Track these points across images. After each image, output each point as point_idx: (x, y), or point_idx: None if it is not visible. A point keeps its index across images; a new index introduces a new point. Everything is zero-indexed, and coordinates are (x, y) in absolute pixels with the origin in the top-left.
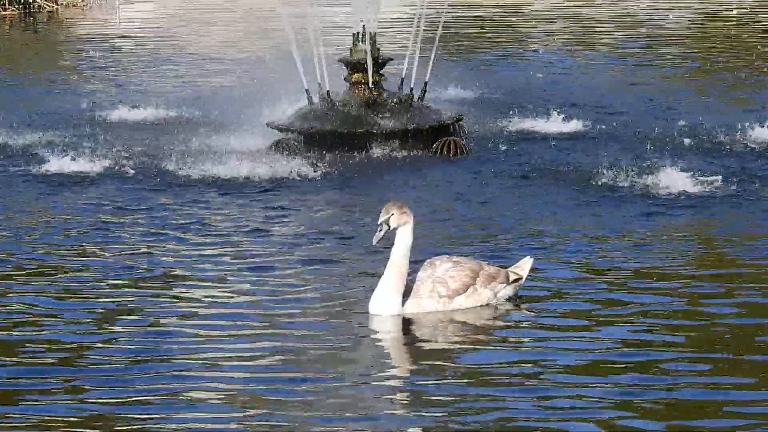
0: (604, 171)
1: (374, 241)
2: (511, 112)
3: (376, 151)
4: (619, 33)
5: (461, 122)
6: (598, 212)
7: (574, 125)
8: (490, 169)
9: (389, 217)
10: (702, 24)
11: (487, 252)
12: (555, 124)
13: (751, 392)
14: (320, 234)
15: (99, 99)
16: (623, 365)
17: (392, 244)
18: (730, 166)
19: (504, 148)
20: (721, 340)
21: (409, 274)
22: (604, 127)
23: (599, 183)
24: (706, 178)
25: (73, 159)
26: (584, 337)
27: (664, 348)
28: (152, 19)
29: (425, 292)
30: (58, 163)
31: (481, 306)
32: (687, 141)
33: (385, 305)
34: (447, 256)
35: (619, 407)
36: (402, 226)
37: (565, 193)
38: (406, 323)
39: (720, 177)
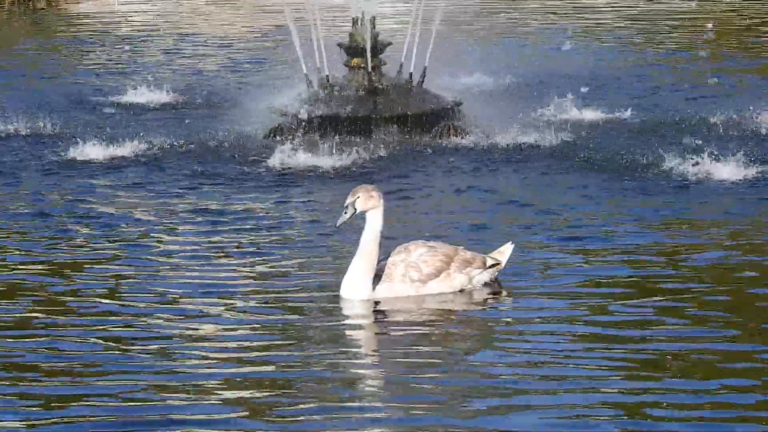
0: (624, 157)
1: (337, 223)
2: (517, 97)
3: (375, 136)
4: (637, 16)
5: (461, 106)
6: (613, 199)
7: (586, 112)
8: (492, 155)
9: (355, 200)
10: (726, 7)
11: (487, 238)
12: (562, 110)
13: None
14: (307, 217)
15: (99, 84)
16: (602, 351)
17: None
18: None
19: (508, 134)
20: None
21: (383, 259)
22: (621, 112)
23: (619, 169)
24: (737, 165)
25: (78, 144)
26: (565, 322)
27: (656, 327)
28: (150, 2)
29: (397, 277)
30: (63, 149)
31: (455, 291)
32: (714, 126)
33: (354, 289)
34: (423, 240)
35: (594, 389)
36: (371, 210)
37: (575, 179)
38: (376, 307)
39: (751, 163)
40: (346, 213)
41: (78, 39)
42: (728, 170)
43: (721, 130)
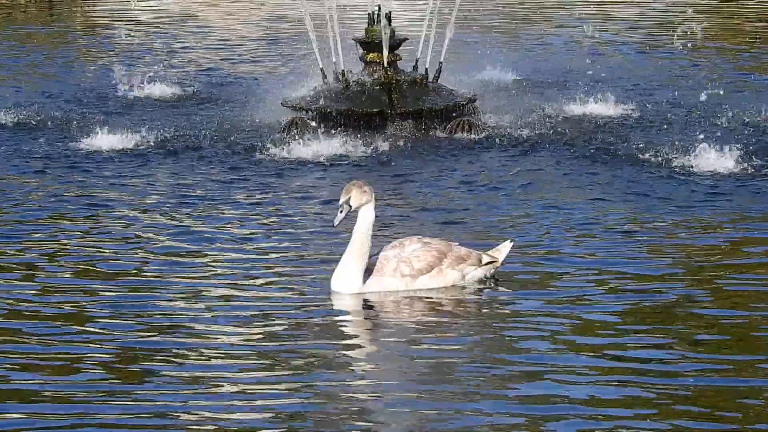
0: (634, 152)
1: (335, 223)
2: (532, 93)
3: (390, 131)
4: (647, 13)
5: (475, 102)
6: (621, 198)
7: (600, 107)
8: (506, 151)
9: (349, 197)
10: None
11: (491, 234)
12: (579, 106)
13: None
14: (314, 211)
15: (114, 76)
16: (595, 352)
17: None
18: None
19: (523, 129)
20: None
21: (377, 253)
22: (633, 108)
23: (627, 165)
24: (743, 161)
25: (91, 135)
26: (559, 321)
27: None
28: None
29: (389, 271)
30: (76, 139)
31: (447, 287)
32: (722, 121)
33: (345, 283)
34: (419, 236)
35: (590, 393)
36: (364, 205)
37: (586, 177)
38: (366, 301)
39: (756, 159)
40: (341, 212)
41: (93, 30)
42: (732, 164)
43: (729, 126)
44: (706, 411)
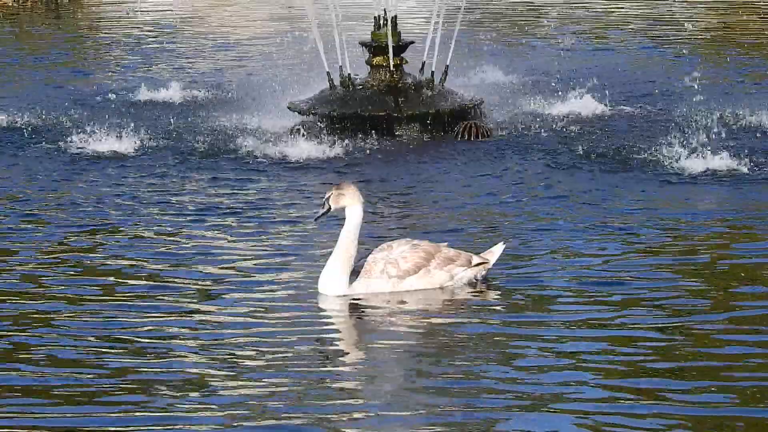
0: (639, 156)
1: (314, 218)
2: (536, 95)
3: (397, 135)
4: (645, 15)
5: (482, 106)
6: (620, 196)
7: (604, 109)
8: (512, 154)
9: (329, 196)
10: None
11: (497, 237)
12: (583, 108)
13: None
14: (312, 214)
15: (121, 79)
16: (586, 349)
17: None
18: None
19: (528, 132)
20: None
21: (366, 255)
22: (632, 110)
23: (632, 169)
24: (738, 161)
25: (99, 138)
26: (552, 330)
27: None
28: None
29: (375, 273)
30: (82, 142)
31: (435, 288)
32: (715, 122)
33: (330, 285)
34: (408, 239)
35: (582, 394)
36: (350, 207)
37: (591, 177)
38: (352, 303)
39: (748, 159)
40: (322, 208)
41: (99, 35)
42: (726, 163)
43: (727, 127)
44: None
